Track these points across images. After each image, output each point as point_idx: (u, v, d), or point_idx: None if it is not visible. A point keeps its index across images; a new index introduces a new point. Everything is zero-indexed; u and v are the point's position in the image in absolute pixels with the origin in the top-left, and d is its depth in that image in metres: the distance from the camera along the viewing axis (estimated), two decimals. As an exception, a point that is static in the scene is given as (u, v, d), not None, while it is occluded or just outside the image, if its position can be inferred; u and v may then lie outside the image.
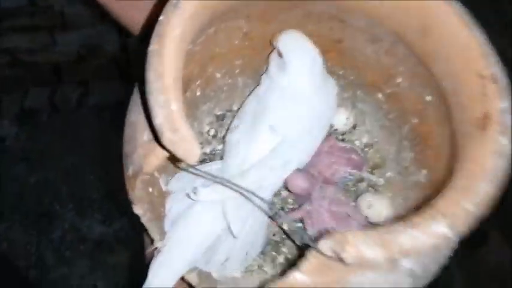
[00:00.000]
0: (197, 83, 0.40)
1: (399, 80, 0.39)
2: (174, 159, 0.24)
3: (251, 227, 0.36)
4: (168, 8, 0.24)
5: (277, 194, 0.41)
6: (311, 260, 0.24)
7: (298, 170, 0.38)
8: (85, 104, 1.25)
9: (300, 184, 0.39)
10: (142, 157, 0.26)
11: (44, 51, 1.22)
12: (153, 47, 0.23)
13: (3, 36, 1.16)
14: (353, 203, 0.40)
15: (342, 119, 0.41)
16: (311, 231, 0.38)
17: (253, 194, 0.31)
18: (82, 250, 1.07)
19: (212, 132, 0.42)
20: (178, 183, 0.35)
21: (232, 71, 0.42)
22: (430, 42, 0.30)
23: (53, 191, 1.12)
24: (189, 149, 0.22)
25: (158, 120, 0.22)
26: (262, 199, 0.32)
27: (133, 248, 1.05)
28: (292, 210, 0.40)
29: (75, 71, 1.27)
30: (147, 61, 0.23)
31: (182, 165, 0.24)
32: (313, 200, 0.38)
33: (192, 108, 0.41)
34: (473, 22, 0.27)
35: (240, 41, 0.39)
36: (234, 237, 0.34)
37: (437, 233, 0.23)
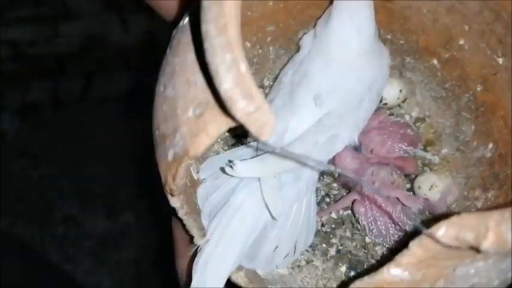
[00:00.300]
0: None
1: (461, 41, 0.34)
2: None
3: (297, 213, 0.31)
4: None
5: (320, 179, 0.37)
6: (416, 250, 0.19)
7: (348, 148, 0.33)
8: (89, 97, 1.20)
9: (348, 164, 0.34)
10: (189, 137, 0.21)
11: (46, 43, 1.18)
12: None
13: (6, 27, 1.11)
14: (408, 185, 0.36)
15: (395, 92, 0.36)
16: (363, 220, 0.33)
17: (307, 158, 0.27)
18: (86, 246, 1.03)
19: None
20: (212, 169, 0.30)
21: (263, 39, 0.36)
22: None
23: (56, 186, 1.08)
24: (265, 121, 0.17)
25: (227, 85, 0.16)
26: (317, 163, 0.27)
27: (139, 244, 1.01)
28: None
29: (79, 62, 1.23)
30: (203, 11, 0.17)
31: (249, 140, 0.19)
32: (364, 185, 0.33)
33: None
34: None
35: (274, 2, 0.34)
36: (273, 218, 0.29)
37: None
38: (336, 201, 0.35)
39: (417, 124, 0.38)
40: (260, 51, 0.37)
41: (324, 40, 0.33)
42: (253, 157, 0.30)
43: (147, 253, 0.97)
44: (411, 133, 0.35)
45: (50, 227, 1.05)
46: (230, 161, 0.27)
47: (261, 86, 0.38)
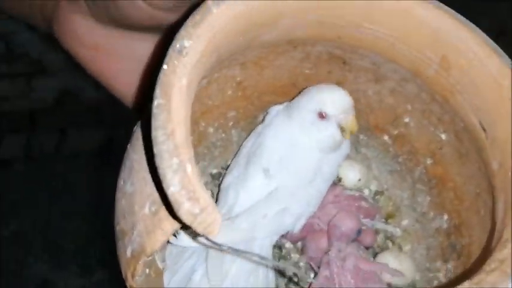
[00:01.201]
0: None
1: (407, 119, 0.36)
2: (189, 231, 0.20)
3: (254, 284, 0.30)
4: (171, 54, 0.21)
5: (287, 258, 0.37)
6: None
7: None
8: (62, 152, 1.19)
9: (321, 244, 0.34)
10: (145, 234, 0.22)
11: (20, 98, 1.18)
12: (158, 101, 0.19)
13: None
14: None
15: (354, 177, 0.38)
16: None
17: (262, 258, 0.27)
18: None
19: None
20: (174, 255, 0.30)
21: (225, 125, 0.38)
22: (450, 75, 0.28)
23: (28, 244, 1.03)
24: (211, 222, 0.18)
25: (173, 188, 0.18)
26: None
27: None
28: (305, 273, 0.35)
29: (52, 117, 1.22)
30: (153, 118, 0.19)
31: (201, 239, 0.20)
32: (331, 263, 0.33)
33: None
34: (499, 48, 0.25)
35: (233, 91, 0.36)
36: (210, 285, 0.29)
37: None
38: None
39: (376, 197, 0.39)
40: (223, 135, 0.39)
41: (281, 117, 0.36)
42: None
43: None
44: (366, 205, 0.37)
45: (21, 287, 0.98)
46: (176, 231, 0.27)
47: (225, 167, 0.39)
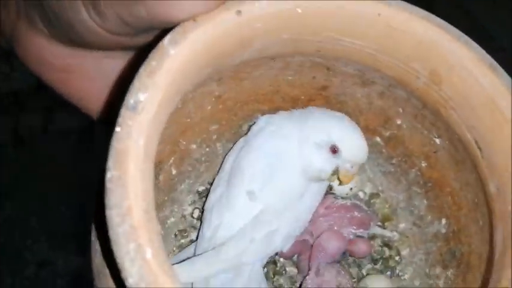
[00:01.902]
0: (170, 162, 0.35)
1: (398, 121, 0.34)
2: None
3: None
4: (124, 113, 0.19)
5: (282, 273, 0.36)
6: None
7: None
8: (51, 131, 1.18)
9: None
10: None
11: (3, 80, 1.15)
12: (112, 174, 0.17)
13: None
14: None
15: (344, 188, 0.36)
16: None
17: None
18: (59, 285, 0.99)
19: (196, 213, 0.36)
20: None
21: (208, 139, 0.37)
22: (442, 90, 0.25)
23: (24, 225, 1.04)
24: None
25: (131, 280, 0.16)
26: None
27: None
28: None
29: (38, 97, 1.20)
30: (106, 195, 0.17)
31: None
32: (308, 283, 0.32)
33: (169, 192, 0.35)
34: (497, 64, 0.23)
35: (212, 106, 0.34)
36: None
37: None
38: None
39: (372, 200, 0.38)
40: (207, 149, 0.37)
41: (269, 133, 0.34)
42: (183, 260, 0.29)
43: None
44: (359, 215, 0.35)
45: (21, 269, 1.01)
46: None
47: (212, 183, 0.38)
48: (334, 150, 0.31)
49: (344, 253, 0.34)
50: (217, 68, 0.26)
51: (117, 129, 0.19)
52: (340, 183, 0.32)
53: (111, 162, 0.18)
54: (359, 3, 0.24)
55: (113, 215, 0.17)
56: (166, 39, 0.22)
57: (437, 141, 0.32)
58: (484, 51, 0.23)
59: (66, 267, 1.00)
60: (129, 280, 0.16)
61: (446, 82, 0.25)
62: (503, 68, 0.24)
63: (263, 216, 0.31)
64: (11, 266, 1.00)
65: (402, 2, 0.25)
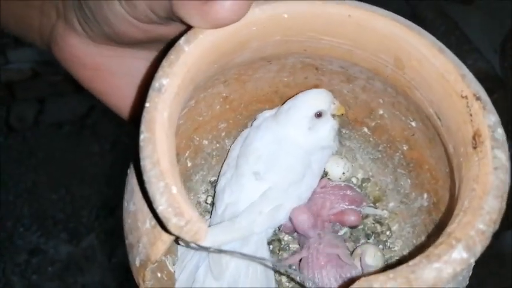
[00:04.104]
0: (186, 155, 0.40)
1: (381, 111, 0.40)
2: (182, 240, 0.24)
3: (253, 275, 0.34)
4: (151, 93, 0.25)
5: (286, 249, 0.41)
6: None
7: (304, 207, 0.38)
8: (42, 122, 1.21)
9: (304, 221, 0.38)
10: (149, 245, 0.26)
11: None
12: (144, 135, 0.23)
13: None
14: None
15: (338, 172, 0.41)
16: (309, 275, 0.37)
17: (254, 257, 0.31)
18: (50, 272, 1.01)
19: (210, 199, 0.42)
20: (181, 256, 0.34)
21: (218, 136, 0.42)
22: (405, 73, 0.31)
23: (15, 213, 1.07)
24: (196, 230, 0.22)
25: (161, 207, 0.22)
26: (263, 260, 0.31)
27: (104, 266, 0.99)
28: (292, 254, 0.39)
29: (31, 88, 1.23)
30: (140, 150, 0.23)
31: (192, 245, 0.24)
32: (311, 246, 0.37)
33: (185, 181, 0.41)
34: (446, 48, 0.28)
35: (221, 106, 0.40)
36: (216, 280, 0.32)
37: (458, 259, 0.23)
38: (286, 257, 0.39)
39: (364, 184, 0.43)
40: (217, 145, 0.43)
41: (269, 123, 0.39)
42: None
43: (112, 275, 0.95)
44: (351, 193, 0.40)
45: (12, 256, 1.03)
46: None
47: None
48: (319, 114, 0.37)
49: (336, 224, 0.38)
50: (221, 66, 0.32)
51: (147, 104, 0.25)
52: (341, 115, 0.39)
53: (143, 127, 0.24)
54: (332, 7, 0.30)
55: (146, 163, 0.22)
56: (182, 39, 0.28)
57: (413, 124, 0.37)
58: (434, 38, 0.29)
59: (57, 254, 1.03)
60: (159, 208, 0.22)
61: (407, 66, 0.31)
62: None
63: (270, 193, 0.36)
64: (2, 253, 1.03)
65: (368, 4, 0.31)
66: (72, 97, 1.23)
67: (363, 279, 0.22)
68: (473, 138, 0.26)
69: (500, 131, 0.25)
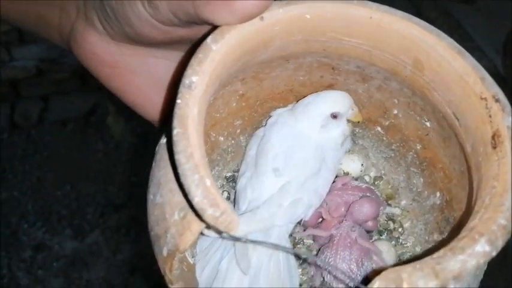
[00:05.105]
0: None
1: (395, 111, 0.41)
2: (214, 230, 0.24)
3: (275, 268, 0.34)
4: (182, 90, 0.26)
5: (300, 243, 0.42)
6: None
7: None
8: (46, 119, 1.22)
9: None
10: (177, 236, 0.27)
11: (1, 68, 1.18)
12: (177, 131, 0.24)
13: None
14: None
15: (356, 165, 0.42)
16: (332, 254, 0.37)
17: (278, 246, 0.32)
18: (55, 268, 1.01)
19: (225, 194, 0.43)
20: (204, 249, 0.35)
21: (233, 132, 0.43)
22: (425, 74, 0.32)
23: (20, 210, 1.07)
24: (230, 221, 0.23)
25: (197, 198, 0.22)
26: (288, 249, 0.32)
27: (109, 262, 1.00)
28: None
29: (35, 85, 1.24)
30: (174, 144, 0.24)
31: (224, 235, 0.25)
32: (342, 226, 0.38)
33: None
34: (465, 51, 0.29)
35: (237, 103, 0.41)
36: (244, 273, 0.33)
37: (481, 252, 0.24)
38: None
39: (376, 182, 0.44)
40: (233, 141, 0.44)
41: (285, 119, 0.40)
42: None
43: (117, 270, 0.96)
44: (372, 196, 0.41)
45: (17, 252, 1.03)
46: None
47: (237, 170, 0.44)
48: (334, 116, 0.38)
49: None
50: (244, 63, 0.33)
51: (178, 101, 0.25)
52: (358, 122, 0.40)
53: (176, 123, 0.25)
54: (355, 8, 0.31)
55: (181, 157, 0.23)
56: (209, 38, 0.29)
57: (428, 124, 0.38)
58: (453, 40, 0.30)
59: (62, 250, 1.03)
60: (195, 199, 0.23)
61: (427, 68, 0.31)
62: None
63: (289, 187, 0.37)
64: (7, 249, 1.03)
65: (388, 7, 0.32)
66: (76, 95, 1.23)
67: (390, 269, 0.23)
68: (493, 138, 0.26)
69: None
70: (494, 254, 0.24)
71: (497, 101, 0.27)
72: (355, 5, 0.32)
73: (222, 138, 0.43)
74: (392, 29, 0.31)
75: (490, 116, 0.27)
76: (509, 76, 1.18)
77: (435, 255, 0.24)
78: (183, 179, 0.23)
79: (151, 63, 0.38)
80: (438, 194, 0.40)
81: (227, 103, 0.40)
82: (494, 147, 0.26)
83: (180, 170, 0.23)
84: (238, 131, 0.43)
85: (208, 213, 0.22)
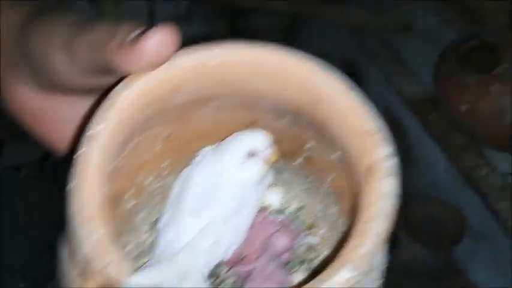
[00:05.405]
0: (128, 195, 0.42)
1: (309, 145, 0.44)
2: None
3: None
4: (84, 140, 0.27)
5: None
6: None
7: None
8: (1, 166, 1.17)
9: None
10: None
11: None
12: (72, 183, 0.26)
13: None
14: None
15: (276, 198, 0.45)
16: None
17: None
18: None
19: (150, 240, 0.43)
20: None
21: (161, 174, 0.45)
22: (321, 110, 0.35)
23: None
24: (119, 271, 0.24)
25: (85, 250, 0.24)
26: None
27: None
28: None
29: None
30: (67, 201, 0.25)
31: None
32: (260, 261, 0.40)
33: (127, 222, 0.42)
34: (354, 88, 0.33)
35: (162, 145, 0.43)
36: None
37: (346, 278, 0.27)
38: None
39: (298, 213, 0.47)
40: (160, 183, 0.45)
41: (208, 159, 0.42)
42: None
43: None
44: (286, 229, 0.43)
45: None
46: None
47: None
48: (251, 154, 0.41)
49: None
50: (160, 107, 0.35)
51: (79, 151, 0.27)
52: (274, 162, 0.42)
53: (74, 173, 0.26)
54: (259, 54, 0.35)
55: (73, 211, 0.24)
56: (119, 86, 0.31)
57: (336, 155, 0.41)
58: (343, 76, 0.34)
59: None
60: (83, 252, 0.24)
61: (324, 104, 0.35)
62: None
63: (209, 228, 0.38)
64: None
65: (289, 48, 0.35)
66: (32, 140, 1.19)
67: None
68: (369, 169, 0.30)
69: (392, 161, 0.30)
70: (360, 278, 0.27)
71: (372, 135, 0.30)
72: (258, 50, 0.35)
73: (149, 181, 0.44)
74: (293, 72, 0.35)
75: (366, 149, 0.30)
76: (441, 95, 1.26)
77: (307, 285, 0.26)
78: (71, 238, 0.24)
79: (75, 110, 0.40)
80: (348, 222, 0.43)
81: (151, 146, 0.42)
82: (370, 176, 0.30)
83: (69, 227, 0.24)
84: (166, 172, 0.45)
85: (94, 264, 0.23)
